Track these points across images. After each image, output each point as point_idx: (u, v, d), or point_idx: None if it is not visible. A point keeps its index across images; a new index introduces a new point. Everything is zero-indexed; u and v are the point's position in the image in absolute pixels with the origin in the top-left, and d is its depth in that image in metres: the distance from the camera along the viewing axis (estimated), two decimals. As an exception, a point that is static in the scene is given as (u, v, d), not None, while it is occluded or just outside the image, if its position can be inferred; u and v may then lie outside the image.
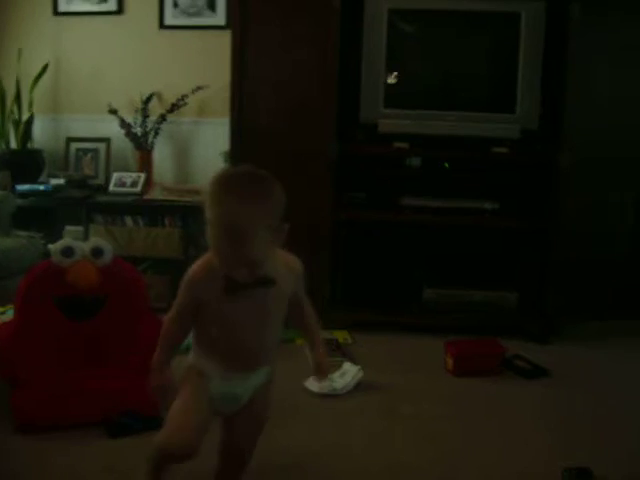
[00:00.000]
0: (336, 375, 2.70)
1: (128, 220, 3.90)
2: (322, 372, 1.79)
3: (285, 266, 1.70)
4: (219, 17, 4.14)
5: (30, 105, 4.20)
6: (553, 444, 2.38)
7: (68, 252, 2.51)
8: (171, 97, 4.14)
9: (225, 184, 1.60)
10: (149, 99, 4.16)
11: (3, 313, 3.09)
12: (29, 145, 4.27)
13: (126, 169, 4.25)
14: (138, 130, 4.14)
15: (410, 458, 2.25)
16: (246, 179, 1.61)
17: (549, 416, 2.62)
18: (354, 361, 2.90)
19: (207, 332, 1.70)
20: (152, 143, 4.16)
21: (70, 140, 4.35)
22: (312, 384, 2.66)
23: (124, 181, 4.10)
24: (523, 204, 3.56)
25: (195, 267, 1.66)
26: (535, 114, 3.38)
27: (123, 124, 4.13)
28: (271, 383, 1.83)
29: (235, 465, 1.89)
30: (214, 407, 1.73)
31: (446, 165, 3.62)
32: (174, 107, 4.09)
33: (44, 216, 4.12)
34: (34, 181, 4.09)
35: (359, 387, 2.75)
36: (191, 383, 1.72)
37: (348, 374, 2.76)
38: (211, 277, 1.62)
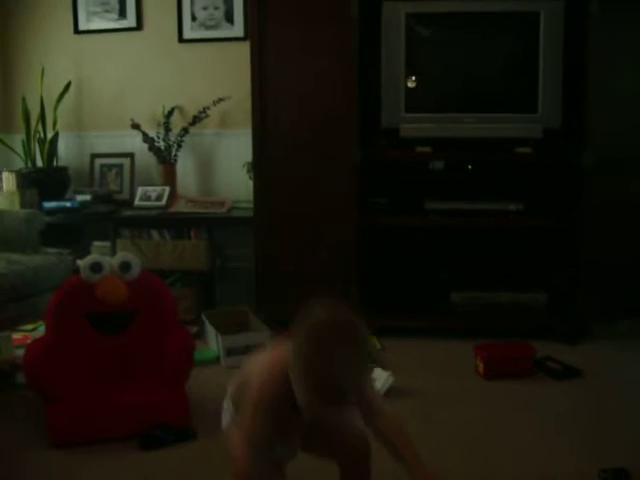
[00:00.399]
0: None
1: (154, 234, 3.92)
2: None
3: None
4: (237, 29, 4.16)
5: (54, 123, 4.25)
6: (587, 445, 2.36)
7: (96, 268, 2.54)
8: (193, 110, 4.16)
9: (332, 338, 1.45)
10: (171, 113, 4.19)
11: (34, 330, 3.13)
12: (55, 163, 4.32)
13: (150, 183, 4.28)
14: (161, 144, 4.17)
15: (445, 462, 2.23)
16: (352, 331, 1.47)
17: (582, 417, 2.59)
18: (384, 367, 2.89)
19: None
20: (175, 156, 4.19)
21: (94, 156, 4.39)
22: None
23: (149, 195, 4.13)
24: (547, 204, 3.53)
25: (261, 387, 1.57)
26: (557, 113, 3.35)
27: (146, 138, 4.16)
28: None
29: (361, 468, 1.79)
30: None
31: (469, 167, 3.60)
32: (196, 120, 4.12)
33: (72, 232, 4.16)
34: (60, 198, 4.13)
35: (390, 393, 2.75)
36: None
37: (379, 380, 2.75)
38: (280, 394, 1.53)
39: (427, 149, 3.41)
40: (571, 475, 2.15)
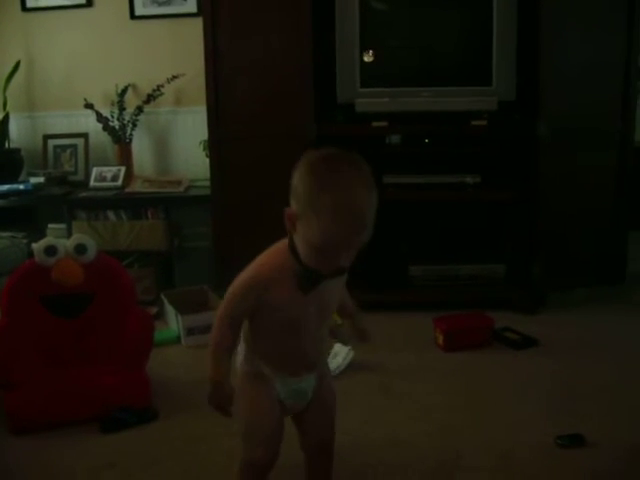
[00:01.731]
0: (328, 357, 2.71)
1: (111, 215, 3.87)
2: (367, 337, 1.79)
3: None
4: (190, 5, 4.09)
5: (4, 104, 4.16)
6: (546, 412, 2.40)
7: (51, 251, 2.50)
8: (147, 88, 4.09)
9: (339, 166, 1.45)
10: (124, 91, 4.12)
11: (-10, 315, 3.08)
12: (6, 145, 4.23)
13: (106, 163, 4.22)
14: (115, 123, 4.11)
15: (406, 434, 2.26)
16: (355, 161, 1.48)
17: (540, 385, 2.64)
18: (345, 342, 2.90)
19: (265, 338, 1.61)
20: (130, 135, 4.13)
21: (47, 137, 4.31)
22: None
23: (104, 175, 4.07)
24: (504, 176, 3.56)
25: (257, 267, 1.54)
26: (511, 86, 3.38)
27: (100, 118, 4.09)
28: (328, 368, 1.82)
29: (324, 458, 1.81)
30: (286, 407, 1.68)
31: (426, 141, 3.61)
32: (150, 98, 4.06)
33: (25, 215, 4.09)
34: (13, 181, 4.05)
35: (351, 367, 2.76)
36: (256, 390, 1.64)
37: (339, 355, 2.77)
38: (280, 277, 1.51)
39: (383, 124, 3.41)
40: (530, 442, 2.19)
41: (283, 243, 1.55)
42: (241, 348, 1.67)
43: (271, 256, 1.55)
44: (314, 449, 1.78)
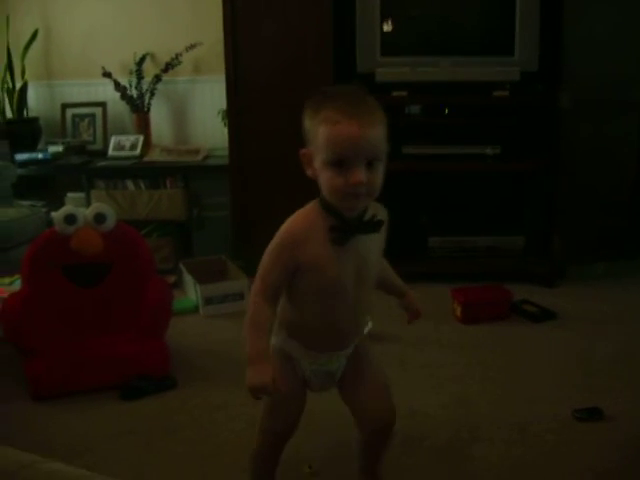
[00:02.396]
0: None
1: (129, 184, 3.87)
2: (418, 315, 1.78)
3: (376, 210, 1.53)
4: (208, -28, 4.06)
5: (23, 73, 4.16)
6: (563, 386, 2.40)
7: (71, 219, 2.51)
8: (165, 57, 4.07)
9: (348, 100, 1.40)
10: (142, 60, 4.10)
11: (11, 284, 3.10)
12: (25, 114, 4.23)
13: (124, 132, 4.22)
14: (134, 92, 4.10)
15: (422, 405, 2.27)
16: (364, 97, 1.43)
17: (558, 358, 2.63)
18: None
19: (299, 307, 1.55)
20: (148, 104, 4.12)
21: (66, 106, 4.31)
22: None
23: (123, 144, 4.07)
24: (525, 147, 3.52)
25: (292, 223, 1.48)
26: (534, 56, 3.32)
27: (118, 87, 4.08)
28: (366, 340, 1.73)
29: (381, 441, 1.71)
30: (311, 385, 1.64)
31: (446, 111, 3.57)
32: (168, 67, 4.04)
33: (44, 184, 4.11)
34: (32, 150, 4.07)
35: (369, 338, 2.76)
36: (281, 365, 1.58)
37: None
38: (311, 233, 1.45)
39: (403, 93, 3.38)
40: (547, 415, 2.19)
41: (313, 202, 1.51)
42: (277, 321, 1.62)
43: (301, 214, 1.50)
44: (372, 433, 1.69)
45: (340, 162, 1.38)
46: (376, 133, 1.40)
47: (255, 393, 1.45)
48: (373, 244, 1.54)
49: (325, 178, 1.42)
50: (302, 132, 1.48)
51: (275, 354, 1.58)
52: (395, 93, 3.37)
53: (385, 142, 1.42)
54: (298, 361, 1.61)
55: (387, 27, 3.37)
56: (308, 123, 1.44)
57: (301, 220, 1.48)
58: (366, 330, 2.68)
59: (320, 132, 1.40)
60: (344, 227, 1.46)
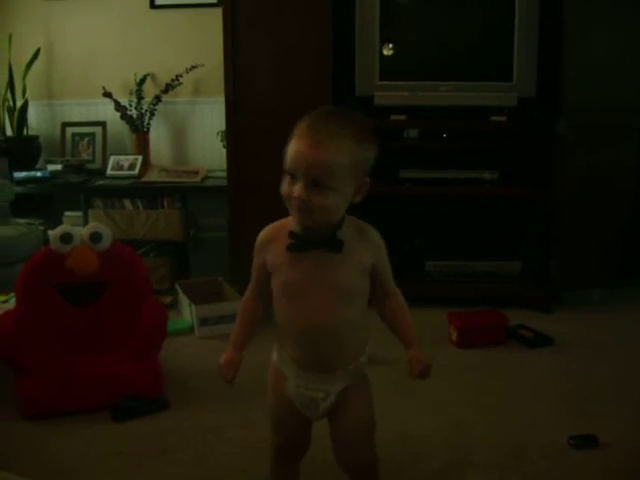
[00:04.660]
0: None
1: (127, 203, 3.88)
2: (420, 373, 1.61)
3: (358, 234, 1.53)
4: (210, -5, 4.09)
5: (24, 91, 4.17)
6: (559, 412, 2.39)
7: (66, 238, 2.50)
8: (165, 77, 4.10)
9: (317, 120, 1.45)
10: (143, 80, 4.13)
11: (6, 301, 3.09)
12: (25, 132, 4.25)
13: (123, 152, 4.23)
14: (133, 112, 4.12)
15: (418, 429, 2.26)
16: (339, 121, 1.45)
17: (554, 384, 2.62)
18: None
19: (276, 306, 1.57)
20: (148, 125, 4.13)
21: (66, 125, 4.32)
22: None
23: (121, 164, 4.08)
24: (522, 173, 3.53)
25: (265, 228, 1.60)
26: (532, 82, 3.34)
27: (118, 107, 4.10)
28: (365, 381, 1.66)
29: (354, 476, 1.67)
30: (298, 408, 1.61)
31: (444, 136, 3.59)
32: (169, 87, 4.06)
33: (42, 203, 4.11)
34: (31, 168, 4.08)
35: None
36: (273, 378, 1.63)
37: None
38: (278, 236, 1.54)
39: (402, 117, 3.39)
40: (543, 442, 2.18)
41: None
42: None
43: (277, 221, 1.60)
44: (350, 472, 1.66)
45: (291, 174, 1.45)
46: (327, 156, 1.39)
47: (221, 370, 1.59)
48: (345, 263, 1.50)
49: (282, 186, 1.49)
50: None
51: (273, 370, 1.64)
52: (393, 117, 3.39)
53: (345, 171, 1.42)
54: (287, 379, 1.60)
55: (387, 51, 3.39)
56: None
57: (273, 225, 1.60)
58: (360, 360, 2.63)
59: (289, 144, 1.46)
60: (299, 237, 1.50)
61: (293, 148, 1.43)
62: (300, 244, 1.50)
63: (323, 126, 1.43)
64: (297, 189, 1.42)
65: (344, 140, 1.42)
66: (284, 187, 1.47)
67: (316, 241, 1.49)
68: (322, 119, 1.45)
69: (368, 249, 1.54)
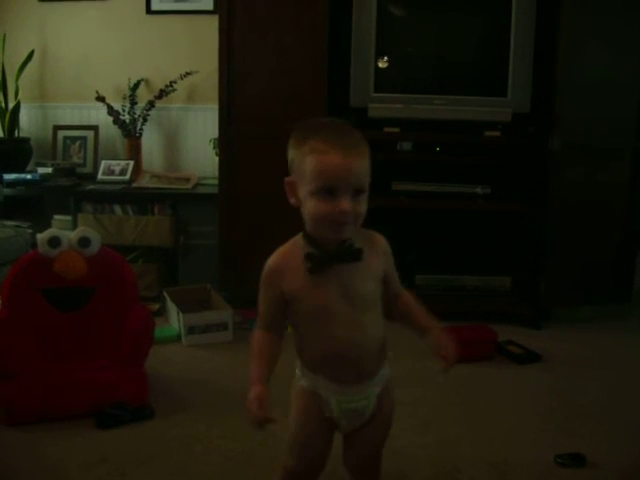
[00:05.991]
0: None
1: (117, 209, 3.86)
2: (448, 354, 1.60)
3: (367, 242, 1.53)
4: (206, 2, 4.09)
5: (16, 93, 4.15)
6: (546, 429, 2.37)
7: (55, 242, 2.48)
8: (159, 83, 4.09)
9: (335, 132, 1.42)
10: (137, 85, 4.11)
11: (-9, 304, 3.06)
12: (16, 134, 4.22)
13: (115, 157, 4.22)
14: (126, 117, 4.10)
15: (403, 444, 2.23)
16: (350, 130, 1.45)
17: (542, 401, 2.61)
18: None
19: (305, 340, 1.53)
20: (141, 130, 4.12)
21: (57, 128, 4.30)
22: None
23: (113, 169, 4.06)
24: (514, 188, 3.54)
25: (272, 257, 1.51)
26: (527, 98, 3.35)
27: (111, 111, 4.08)
28: (390, 382, 1.66)
29: (368, 476, 1.73)
30: (340, 426, 1.59)
31: (437, 149, 3.58)
32: (162, 93, 4.05)
33: (32, 205, 4.08)
34: (21, 170, 4.05)
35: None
36: (304, 404, 1.57)
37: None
38: (290, 263, 1.48)
39: (395, 130, 3.39)
40: (529, 459, 2.16)
41: (298, 235, 1.52)
42: (297, 364, 1.61)
43: (281, 248, 1.53)
44: (358, 466, 1.69)
45: (329, 191, 1.39)
46: (362, 164, 1.42)
47: (249, 415, 1.43)
48: (360, 272, 1.51)
49: (311, 206, 1.42)
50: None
51: (302, 394, 1.58)
52: (387, 129, 3.38)
53: (369, 174, 1.44)
54: (327, 400, 1.56)
55: (382, 64, 3.39)
56: (293, 153, 1.46)
57: (280, 253, 1.52)
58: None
59: (307, 162, 1.40)
60: (318, 256, 1.47)
61: (326, 164, 1.38)
62: (322, 262, 1.47)
63: (343, 135, 1.43)
64: (344, 203, 1.39)
65: (364, 143, 1.45)
66: (319, 207, 1.41)
67: (337, 254, 1.47)
68: (334, 129, 1.44)
69: (379, 256, 1.56)
